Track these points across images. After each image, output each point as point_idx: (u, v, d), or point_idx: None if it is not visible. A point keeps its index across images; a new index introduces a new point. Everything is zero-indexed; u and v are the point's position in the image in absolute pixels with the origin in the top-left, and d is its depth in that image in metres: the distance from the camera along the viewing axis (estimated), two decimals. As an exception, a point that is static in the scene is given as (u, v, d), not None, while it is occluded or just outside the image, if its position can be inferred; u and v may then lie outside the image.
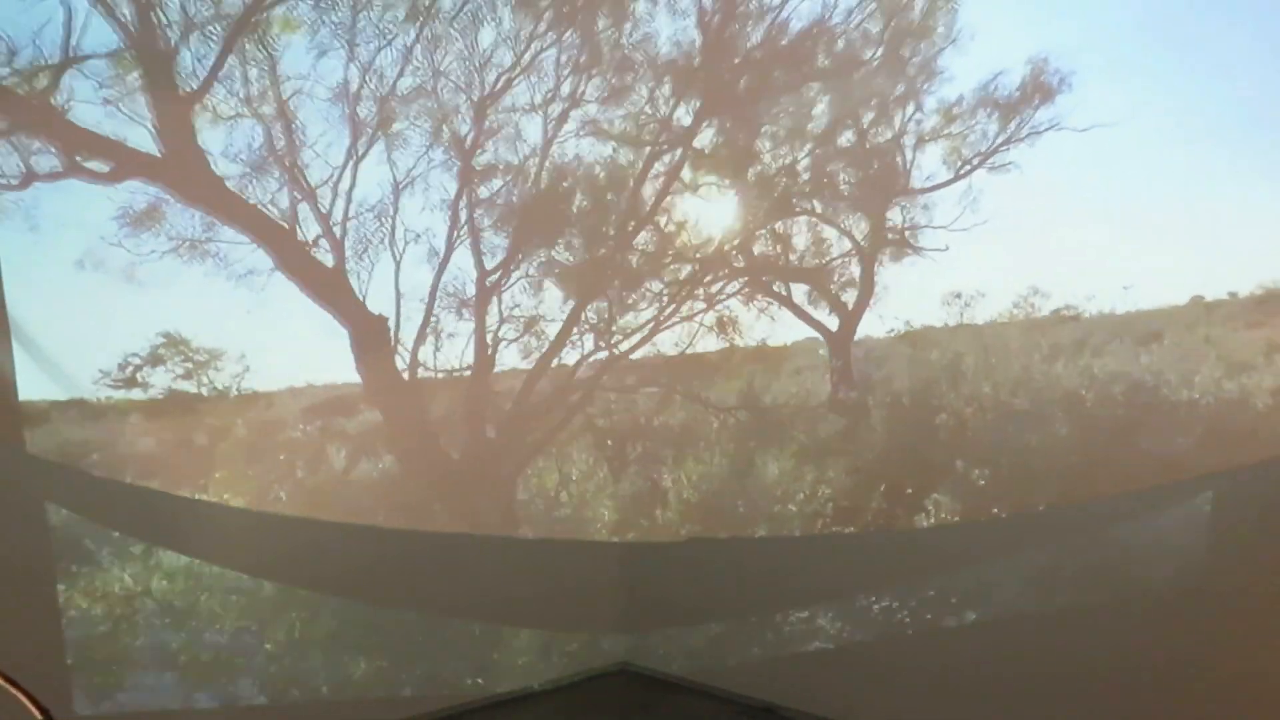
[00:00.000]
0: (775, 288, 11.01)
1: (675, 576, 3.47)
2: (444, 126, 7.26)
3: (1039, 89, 10.45)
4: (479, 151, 7.43)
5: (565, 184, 8.06)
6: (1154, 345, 11.82)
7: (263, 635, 4.63)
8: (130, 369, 9.91)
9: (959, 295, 15.59)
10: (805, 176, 10.93)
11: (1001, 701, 3.02)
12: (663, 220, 10.04)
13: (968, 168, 10.81)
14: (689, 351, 9.36)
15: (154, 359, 10.32)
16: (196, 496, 5.69)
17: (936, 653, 3.54)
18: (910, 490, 6.88)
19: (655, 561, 3.64)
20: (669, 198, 9.85)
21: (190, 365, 10.52)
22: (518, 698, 2.55)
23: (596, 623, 3.69)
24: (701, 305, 9.57)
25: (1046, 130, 10.43)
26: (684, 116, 8.89)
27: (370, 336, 6.78)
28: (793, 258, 11.30)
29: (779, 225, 11.02)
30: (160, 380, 10.50)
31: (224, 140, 6.68)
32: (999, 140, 10.76)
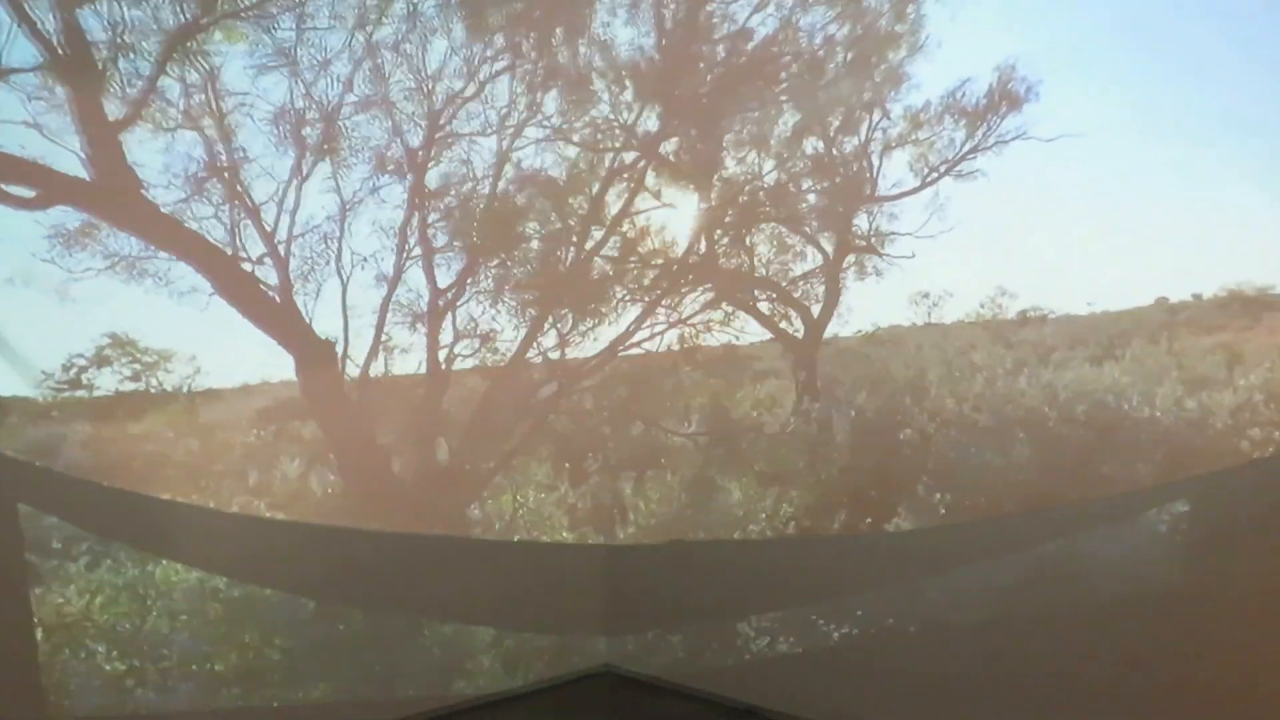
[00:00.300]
0: (740, 296, 11.05)
1: (658, 579, 3.52)
2: (394, 144, 7.09)
3: (1006, 97, 10.53)
4: (431, 165, 7.25)
5: (523, 196, 7.94)
6: (1118, 356, 12.04)
7: (213, 657, 4.47)
8: (75, 370, 9.61)
9: (926, 295, 15.74)
10: (771, 184, 10.96)
11: (983, 702, 3.12)
12: (627, 229, 10.01)
13: (935, 175, 10.88)
14: (652, 356, 9.32)
15: (100, 360, 10.00)
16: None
17: (917, 654, 3.61)
18: (870, 519, 6.89)
19: (638, 564, 3.71)
20: (633, 208, 9.84)
21: (138, 367, 10.21)
22: (500, 700, 2.59)
23: (579, 624, 3.74)
24: (667, 318, 9.52)
25: (1014, 140, 10.54)
26: (647, 123, 8.79)
27: (316, 362, 6.57)
28: (758, 266, 11.36)
29: (744, 233, 11.04)
30: (107, 382, 10.21)
31: (162, 159, 6.49)
32: (966, 148, 10.84)
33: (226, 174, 6.56)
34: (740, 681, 3.69)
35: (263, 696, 4.29)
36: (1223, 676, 2.96)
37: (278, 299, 6.78)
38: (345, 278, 7.05)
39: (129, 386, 10.29)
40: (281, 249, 6.74)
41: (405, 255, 7.06)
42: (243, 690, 4.29)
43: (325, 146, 6.68)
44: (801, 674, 3.73)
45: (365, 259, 7.10)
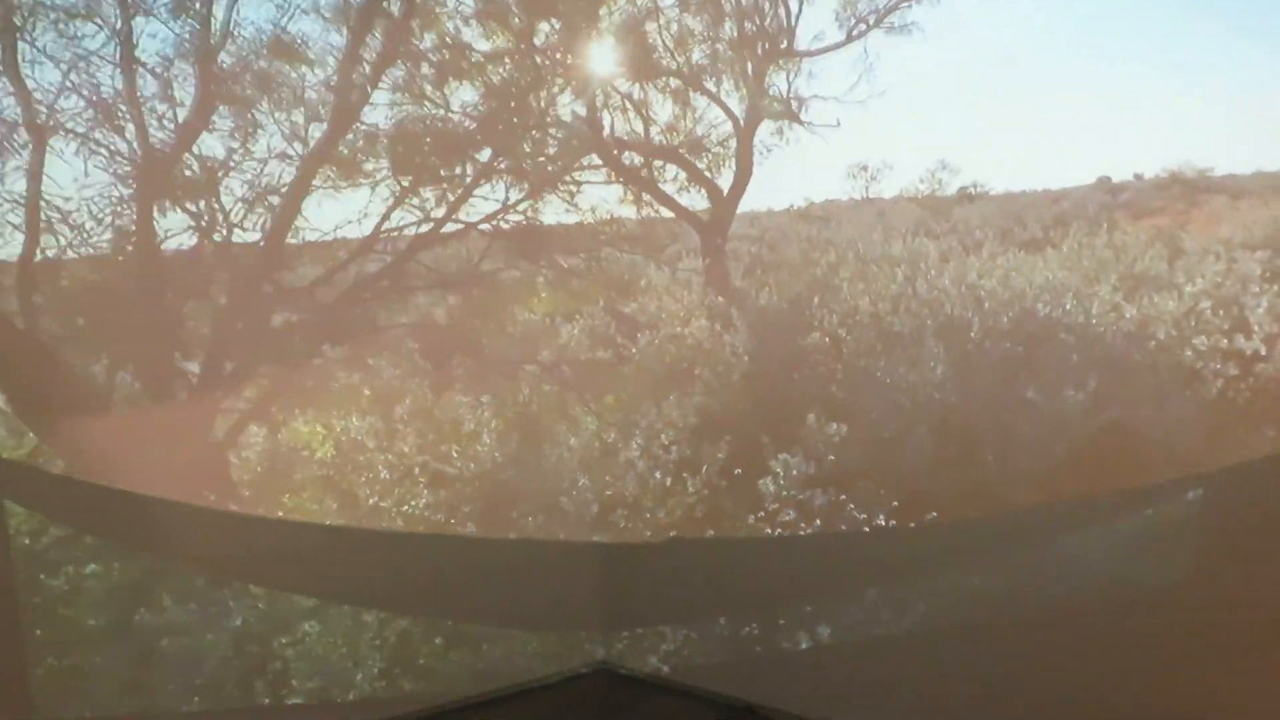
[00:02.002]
0: (633, 168, 9.88)
1: (657, 576, 3.52)
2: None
3: (950, -71, 9.32)
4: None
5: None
6: (1055, 243, 11.41)
7: (201, 656, 4.29)
8: None
9: (864, 168, 14.91)
10: (672, 31, 9.59)
11: (985, 703, 3.17)
12: (495, 76, 8.57)
13: (863, 27, 9.73)
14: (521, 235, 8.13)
15: None
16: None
17: (920, 654, 3.68)
18: (767, 439, 6.12)
19: (637, 561, 3.62)
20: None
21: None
22: (493, 699, 2.56)
23: (576, 622, 3.83)
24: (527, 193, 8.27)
25: (955, -15, 9.40)
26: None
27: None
28: (654, 132, 10.12)
29: (636, 89, 9.76)
30: None
31: None
32: (900, -6, 9.67)
33: None
34: (740, 680, 3.78)
35: (253, 694, 4.26)
36: (1224, 683, 2.93)
37: None
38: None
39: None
40: None
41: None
42: (233, 688, 4.26)
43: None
44: (801, 673, 3.82)
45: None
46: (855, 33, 9.68)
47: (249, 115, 5.86)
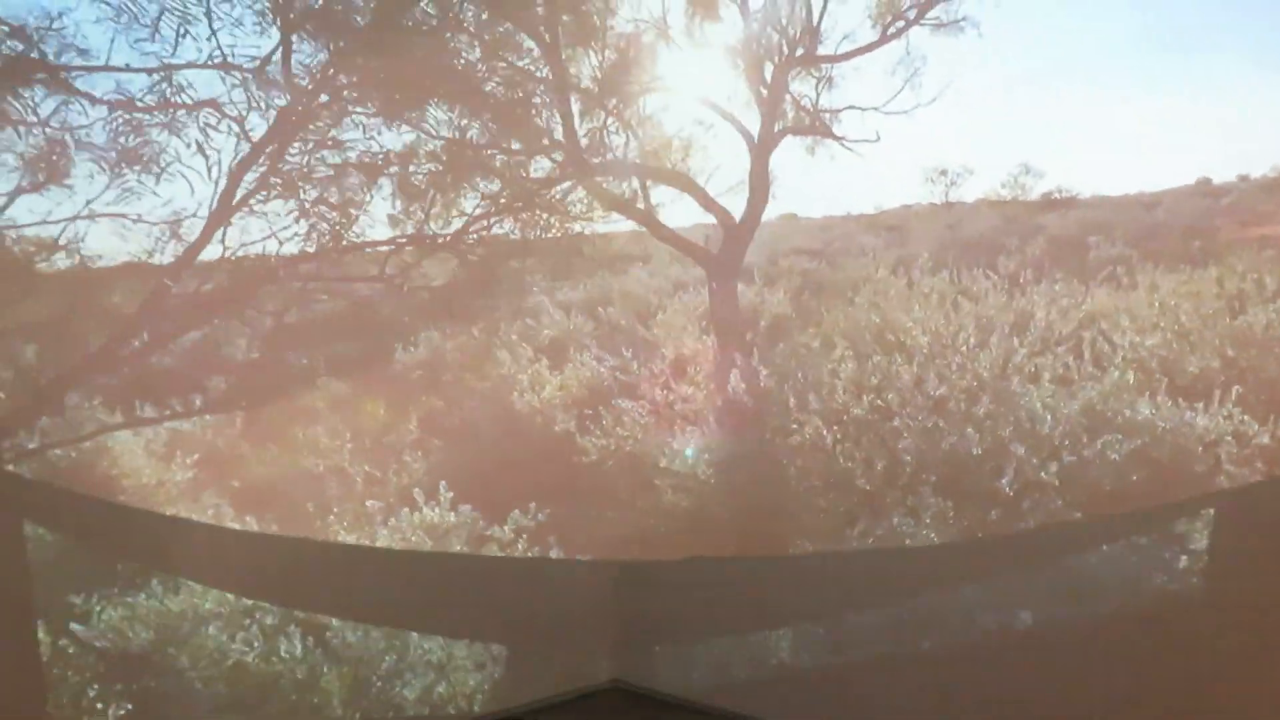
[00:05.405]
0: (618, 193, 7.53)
1: (670, 594, 3.40)
2: None
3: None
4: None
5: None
6: (1139, 292, 8.37)
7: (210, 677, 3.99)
8: None
9: (944, 172, 12.18)
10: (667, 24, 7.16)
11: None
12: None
13: (901, 24, 7.08)
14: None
15: None
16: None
17: (932, 672, 3.52)
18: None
19: (650, 579, 3.52)
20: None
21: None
22: (506, 718, 2.62)
23: (588, 640, 3.64)
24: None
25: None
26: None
27: None
28: (648, 149, 7.74)
29: (622, 105, 7.39)
30: None
31: None
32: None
33: None
34: (753, 697, 3.68)
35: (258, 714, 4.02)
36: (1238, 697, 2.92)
37: None
38: None
39: None
40: None
41: None
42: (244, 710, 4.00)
43: None
44: (816, 690, 3.71)
45: None
46: (892, 31, 7.01)
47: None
